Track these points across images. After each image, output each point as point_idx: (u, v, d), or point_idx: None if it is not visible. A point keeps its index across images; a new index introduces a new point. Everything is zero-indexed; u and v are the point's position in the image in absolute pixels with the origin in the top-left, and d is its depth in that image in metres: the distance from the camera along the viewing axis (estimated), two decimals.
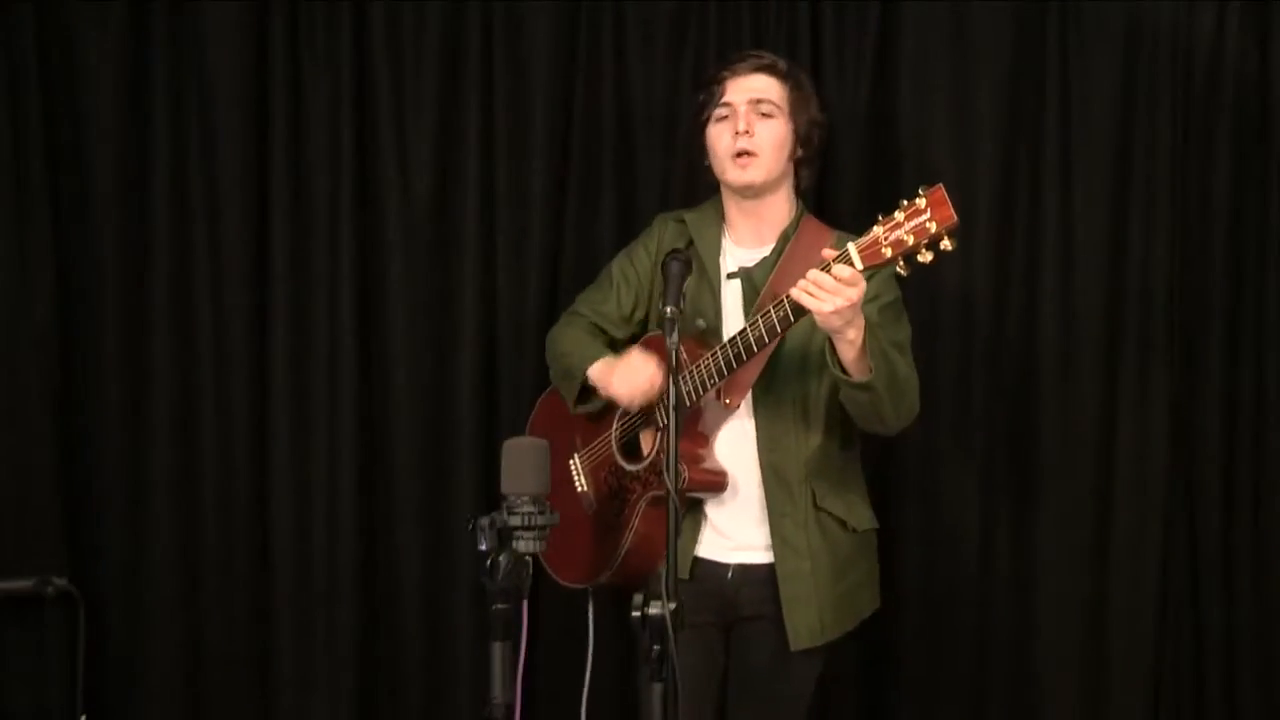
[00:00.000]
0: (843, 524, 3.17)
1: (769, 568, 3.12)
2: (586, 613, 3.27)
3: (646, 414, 3.17)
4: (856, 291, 2.81)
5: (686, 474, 3.04)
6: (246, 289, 3.74)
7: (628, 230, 3.64)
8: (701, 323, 3.18)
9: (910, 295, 3.20)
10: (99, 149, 3.70)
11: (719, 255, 3.23)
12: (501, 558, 2.44)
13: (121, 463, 3.75)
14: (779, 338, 2.99)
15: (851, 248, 2.82)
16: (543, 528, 2.48)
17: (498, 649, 2.43)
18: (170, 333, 3.73)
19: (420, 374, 3.75)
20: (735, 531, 3.16)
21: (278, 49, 3.71)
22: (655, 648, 2.61)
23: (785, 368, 3.12)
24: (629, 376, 3.13)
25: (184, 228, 3.72)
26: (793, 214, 3.23)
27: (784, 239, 3.19)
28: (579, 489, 3.28)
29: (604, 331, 3.31)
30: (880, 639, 3.61)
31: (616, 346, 3.28)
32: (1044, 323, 3.62)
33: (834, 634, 3.16)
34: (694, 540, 3.16)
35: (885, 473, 3.62)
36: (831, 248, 2.88)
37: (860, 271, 2.81)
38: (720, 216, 3.26)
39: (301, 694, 3.76)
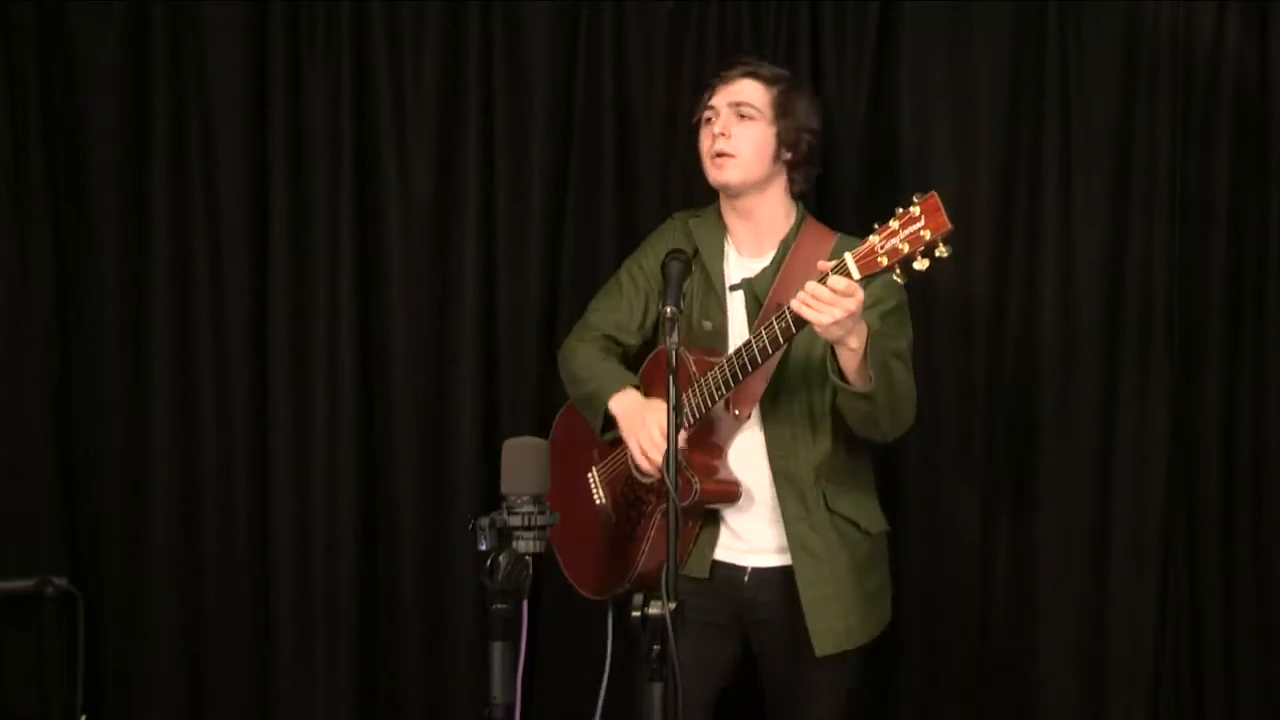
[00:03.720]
0: (856, 526, 3.19)
1: (783, 570, 3.14)
2: (605, 621, 3.22)
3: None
4: (854, 302, 2.82)
5: (700, 486, 3.08)
6: (246, 289, 3.74)
7: (628, 230, 3.65)
8: (708, 324, 3.19)
9: (910, 295, 3.20)
10: (99, 149, 3.69)
11: (723, 263, 3.24)
12: (501, 558, 2.44)
13: (121, 464, 3.75)
14: (783, 348, 3.00)
15: (848, 257, 2.84)
16: (543, 528, 2.48)
17: (498, 649, 2.42)
18: (170, 333, 3.72)
19: (420, 373, 3.75)
20: (750, 534, 3.18)
21: (278, 49, 3.70)
22: (655, 648, 2.61)
23: (791, 376, 3.13)
24: (644, 439, 3.11)
25: (184, 228, 3.72)
26: (792, 220, 3.24)
27: (784, 247, 3.21)
28: (598, 502, 3.30)
29: (618, 343, 3.32)
30: (880, 640, 3.60)
31: (630, 357, 3.30)
32: (1044, 322, 3.61)
33: (860, 639, 3.18)
34: (712, 544, 3.19)
35: (885, 473, 3.62)
36: (833, 251, 2.88)
37: (857, 281, 2.82)
38: (722, 223, 3.27)
39: (301, 693, 3.75)
